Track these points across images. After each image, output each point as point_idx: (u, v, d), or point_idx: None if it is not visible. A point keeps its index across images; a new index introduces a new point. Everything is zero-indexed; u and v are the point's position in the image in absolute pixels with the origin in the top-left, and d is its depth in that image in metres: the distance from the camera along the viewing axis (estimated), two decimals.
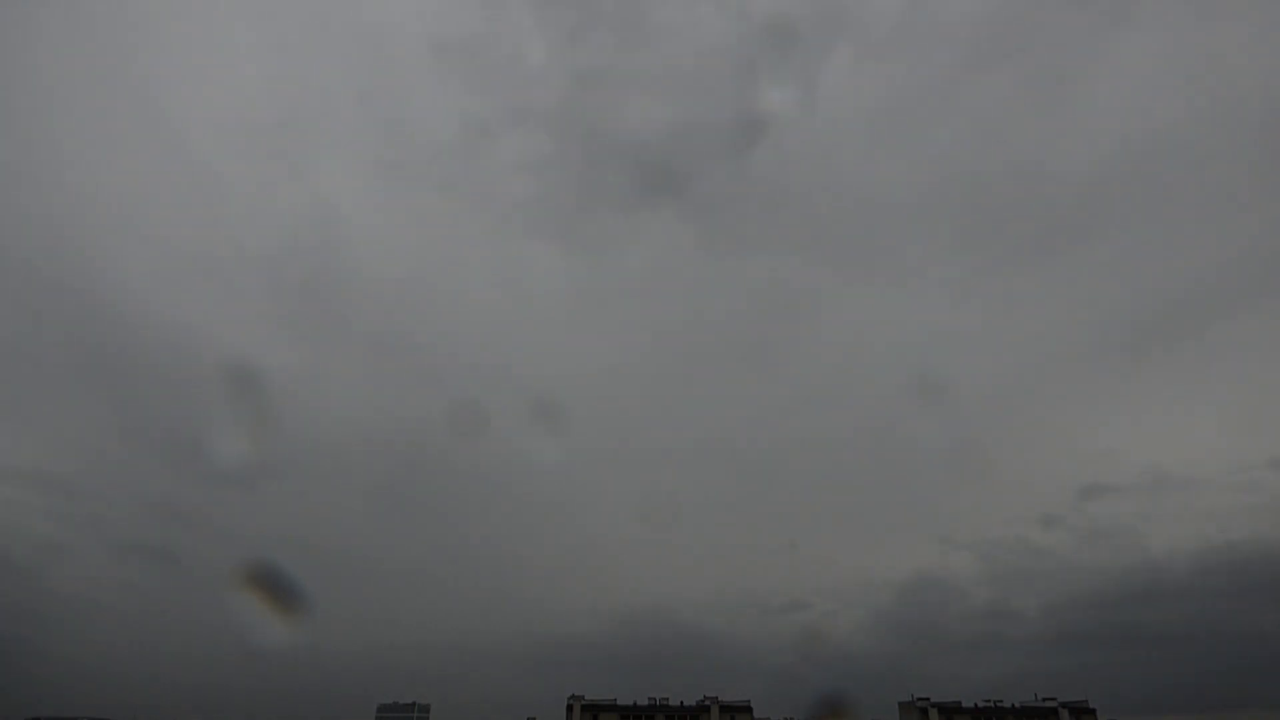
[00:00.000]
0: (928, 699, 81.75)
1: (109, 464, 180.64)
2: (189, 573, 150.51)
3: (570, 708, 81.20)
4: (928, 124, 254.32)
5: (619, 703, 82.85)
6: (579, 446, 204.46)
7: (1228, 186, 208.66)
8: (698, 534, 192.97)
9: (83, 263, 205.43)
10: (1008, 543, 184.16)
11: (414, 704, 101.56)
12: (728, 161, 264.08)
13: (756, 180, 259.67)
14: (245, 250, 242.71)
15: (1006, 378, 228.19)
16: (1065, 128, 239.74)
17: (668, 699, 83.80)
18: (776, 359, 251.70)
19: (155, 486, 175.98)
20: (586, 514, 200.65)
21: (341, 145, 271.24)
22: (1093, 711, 79.56)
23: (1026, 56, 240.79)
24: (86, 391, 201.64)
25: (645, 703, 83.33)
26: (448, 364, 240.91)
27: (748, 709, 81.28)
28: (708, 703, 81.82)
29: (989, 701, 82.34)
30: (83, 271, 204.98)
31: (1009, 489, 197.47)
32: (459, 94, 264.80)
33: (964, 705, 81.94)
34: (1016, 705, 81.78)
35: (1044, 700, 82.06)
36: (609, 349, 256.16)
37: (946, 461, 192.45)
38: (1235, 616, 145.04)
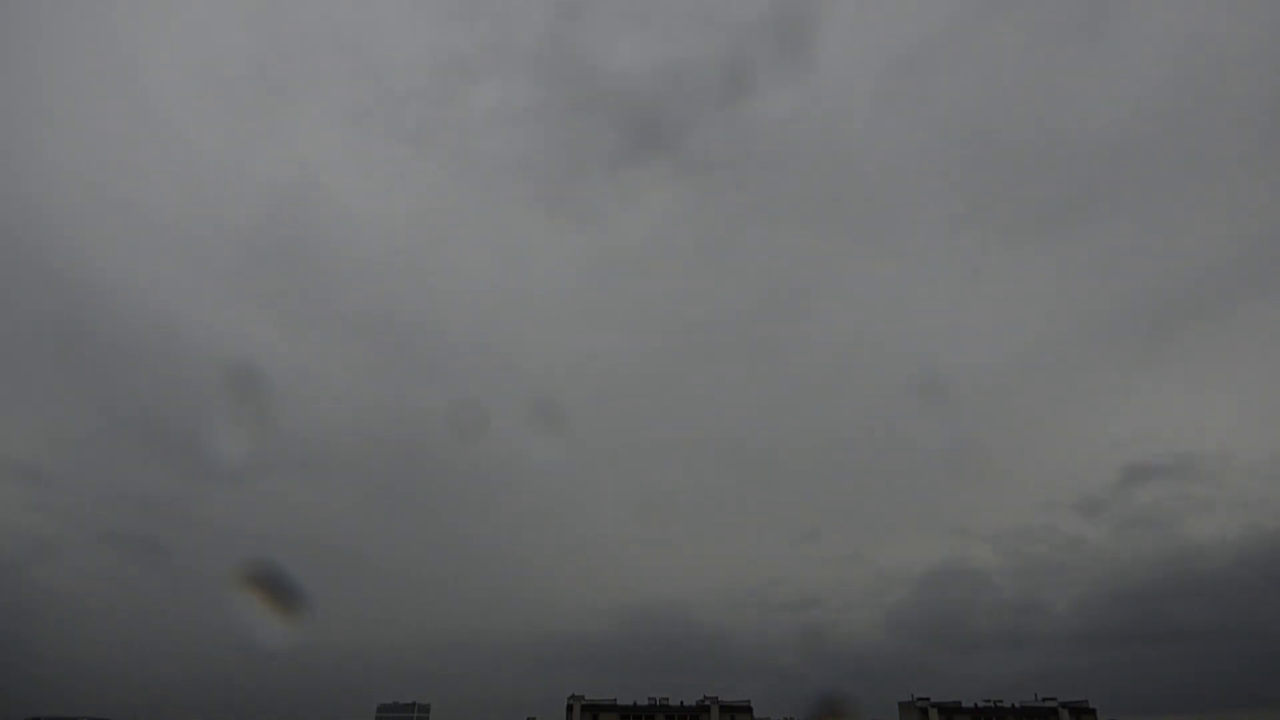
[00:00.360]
0: (928, 699, 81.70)
1: (90, 454, 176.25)
2: (186, 571, 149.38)
3: (570, 708, 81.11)
4: (938, 74, 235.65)
5: (619, 703, 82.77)
6: (579, 442, 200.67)
7: (1263, 154, 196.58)
8: (700, 530, 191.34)
9: (53, 239, 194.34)
10: (1034, 533, 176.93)
11: (414, 704, 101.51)
12: (723, 112, 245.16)
13: (754, 137, 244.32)
14: (221, 222, 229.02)
15: (1018, 361, 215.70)
16: (1087, 83, 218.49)
17: (668, 699, 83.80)
18: (780, 348, 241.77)
19: (141, 479, 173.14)
20: (587, 511, 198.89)
21: (316, 93, 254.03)
22: (1093, 711, 79.54)
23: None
24: (61, 376, 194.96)
25: (645, 703, 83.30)
26: (441, 352, 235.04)
27: (748, 709, 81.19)
28: (708, 703, 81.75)
29: (989, 701, 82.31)
30: (54, 249, 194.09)
31: (1028, 478, 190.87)
32: (433, 28, 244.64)
33: (964, 705, 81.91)
34: (1016, 705, 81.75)
35: (1044, 700, 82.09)
36: (606, 339, 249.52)
37: (961, 452, 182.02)
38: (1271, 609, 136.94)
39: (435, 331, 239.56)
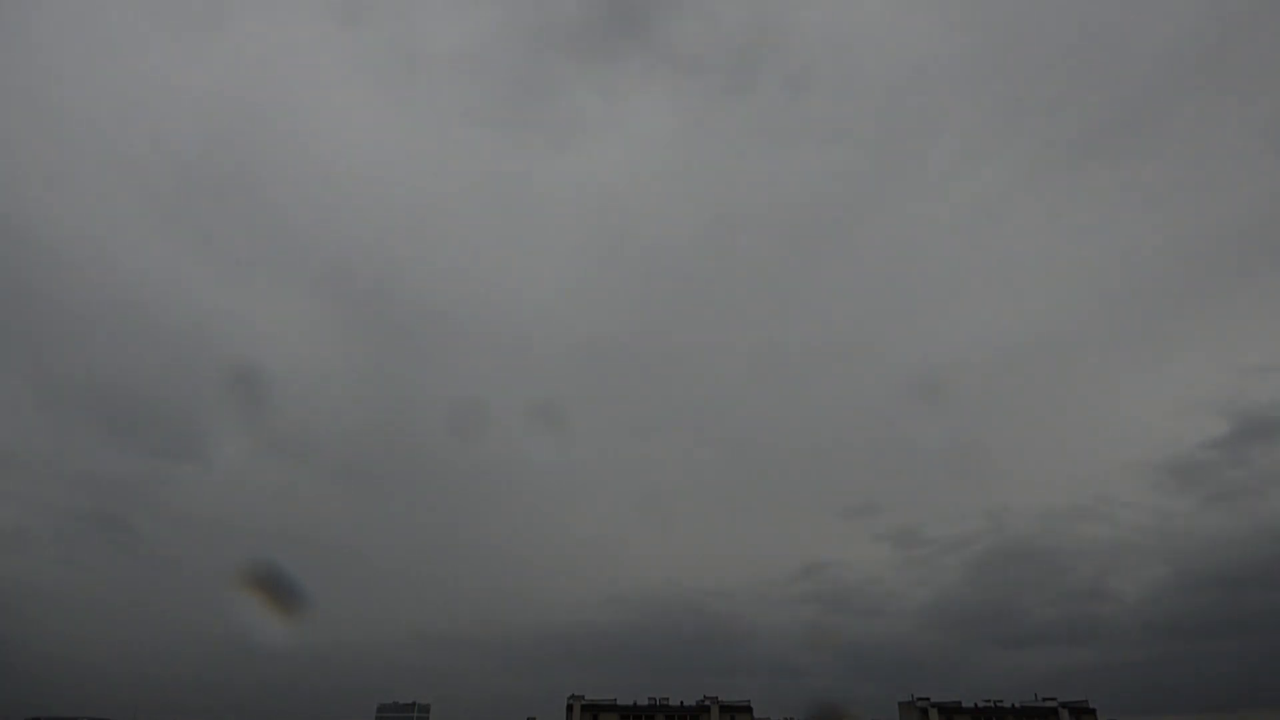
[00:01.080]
0: (928, 699, 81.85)
1: (44, 435, 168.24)
2: (187, 570, 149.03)
3: (570, 708, 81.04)
4: None
5: (619, 702, 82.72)
6: (577, 436, 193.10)
7: None
8: (702, 523, 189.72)
9: None
10: (1093, 511, 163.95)
11: (414, 704, 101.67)
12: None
13: (737, 23, 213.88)
14: (162, 144, 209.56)
15: (1055, 319, 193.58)
16: None
17: (668, 699, 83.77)
18: (787, 326, 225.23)
19: (104, 461, 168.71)
20: (588, 507, 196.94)
21: None
22: (1093, 711, 79.65)
23: None
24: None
25: (645, 703, 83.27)
26: (407, 318, 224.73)
27: (748, 709, 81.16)
28: (708, 703, 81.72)
29: (989, 701, 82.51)
30: None
31: (1065, 460, 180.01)
32: None
33: (964, 705, 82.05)
34: (1016, 705, 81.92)
35: (1044, 700, 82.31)
36: (603, 322, 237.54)
37: (995, 429, 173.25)
38: None
39: (405, 297, 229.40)
